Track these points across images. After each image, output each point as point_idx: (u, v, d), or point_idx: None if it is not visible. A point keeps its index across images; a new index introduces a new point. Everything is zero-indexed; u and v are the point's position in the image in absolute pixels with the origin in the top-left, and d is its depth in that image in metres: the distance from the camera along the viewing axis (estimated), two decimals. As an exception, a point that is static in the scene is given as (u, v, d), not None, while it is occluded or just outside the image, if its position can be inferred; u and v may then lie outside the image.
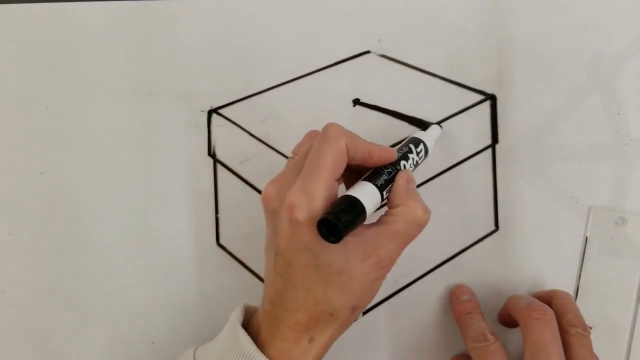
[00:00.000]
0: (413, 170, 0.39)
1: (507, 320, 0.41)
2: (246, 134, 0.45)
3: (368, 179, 0.35)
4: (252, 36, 0.45)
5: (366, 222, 0.34)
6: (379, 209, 0.36)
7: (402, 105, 0.45)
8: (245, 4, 0.46)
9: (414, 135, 0.41)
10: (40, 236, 0.45)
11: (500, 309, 0.43)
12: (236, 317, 0.35)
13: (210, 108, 0.45)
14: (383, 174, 0.36)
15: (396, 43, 0.45)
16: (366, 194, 0.34)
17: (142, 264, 0.45)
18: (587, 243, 0.44)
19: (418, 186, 0.44)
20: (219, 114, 0.45)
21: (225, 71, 0.45)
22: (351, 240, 0.33)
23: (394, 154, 0.37)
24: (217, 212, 0.45)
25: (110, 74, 0.45)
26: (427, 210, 0.35)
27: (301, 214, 0.32)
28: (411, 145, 0.39)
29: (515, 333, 0.43)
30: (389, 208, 0.35)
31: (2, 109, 0.45)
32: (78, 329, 0.44)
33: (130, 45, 0.46)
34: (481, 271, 0.44)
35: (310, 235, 0.32)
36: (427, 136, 0.41)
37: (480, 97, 0.45)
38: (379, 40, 0.45)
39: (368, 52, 0.45)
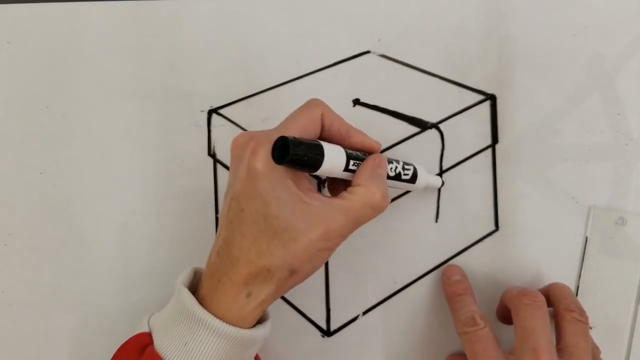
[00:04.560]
0: (390, 178, 0.38)
1: (506, 315, 0.41)
2: (246, 134, 0.45)
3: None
4: (252, 36, 0.45)
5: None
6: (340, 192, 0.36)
7: (402, 105, 0.45)
8: (245, 4, 0.46)
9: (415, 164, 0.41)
10: (40, 236, 0.45)
11: (497, 306, 0.43)
12: (181, 278, 0.36)
13: (210, 108, 0.45)
14: (359, 154, 0.36)
15: (396, 43, 0.45)
16: (332, 149, 0.34)
17: (142, 264, 0.45)
18: (587, 243, 0.44)
19: (418, 186, 0.44)
20: (219, 114, 0.45)
21: (225, 71, 0.45)
22: (304, 202, 0.33)
23: (377, 145, 0.38)
24: (217, 212, 0.45)
25: (111, 74, 0.45)
26: (385, 197, 0.35)
27: (260, 161, 0.33)
28: (402, 161, 0.39)
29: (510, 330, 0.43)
30: (351, 186, 0.36)
31: (2, 109, 0.45)
32: (78, 329, 0.44)
33: (130, 45, 0.46)
34: (481, 271, 0.44)
35: (266, 183, 0.33)
36: (424, 171, 0.41)
37: (480, 97, 0.45)
38: (379, 40, 0.45)
39: (368, 52, 0.45)
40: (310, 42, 0.45)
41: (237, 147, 0.36)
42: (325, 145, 0.34)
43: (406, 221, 0.44)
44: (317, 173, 0.34)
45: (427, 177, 0.42)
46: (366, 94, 0.45)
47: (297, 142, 0.32)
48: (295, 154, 0.32)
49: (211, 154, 0.45)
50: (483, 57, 0.45)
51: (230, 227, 0.34)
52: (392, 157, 0.39)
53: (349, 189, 0.35)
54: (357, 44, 0.45)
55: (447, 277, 0.43)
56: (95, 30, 0.46)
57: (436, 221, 0.44)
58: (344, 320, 0.44)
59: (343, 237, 0.35)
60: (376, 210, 0.35)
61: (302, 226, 0.33)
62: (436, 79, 0.45)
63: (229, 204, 0.34)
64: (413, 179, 0.40)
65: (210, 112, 0.45)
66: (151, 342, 0.35)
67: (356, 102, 0.45)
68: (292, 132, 0.34)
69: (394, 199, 0.44)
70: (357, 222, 0.35)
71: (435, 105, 0.45)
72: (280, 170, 0.33)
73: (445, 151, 0.44)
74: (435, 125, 0.44)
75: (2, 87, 0.45)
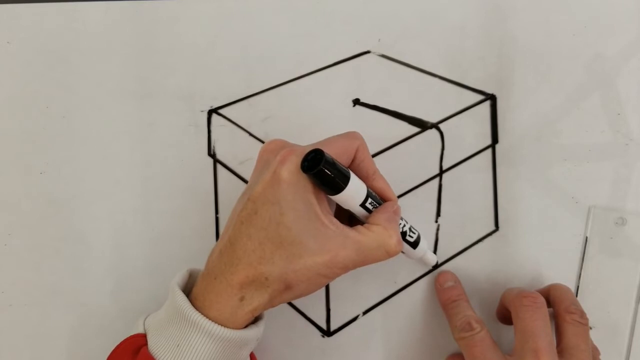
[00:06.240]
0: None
1: (505, 315, 0.41)
2: (246, 134, 0.45)
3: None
4: (252, 36, 0.45)
5: None
6: (354, 222, 0.37)
7: (402, 105, 0.45)
8: (245, 4, 0.46)
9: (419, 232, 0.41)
10: (40, 236, 0.45)
11: (497, 306, 0.43)
12: (176, 279, 0.36)
13: (210, 108, 0.45)
14: (377, 196, 0.37)
15: (396, 43, 0.45)
16: (357, 181, 0.35)
17: (142, 264, 0.45)
18: (587, 243, 0.44)
19: (418, 186, 0.44)
20: (219, 114, 0.45)
21: (225, 71, 0.45)
22: (321, 222, 0.33)
23: (394, 197, 0.38)
24: (217, 212, 0.45)
25: (110, 74, 0.45)
26: (400, 243, 0.36)
27: (287, 170, 0.33)
28: (411, 225, 0.40)
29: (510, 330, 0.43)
30: (369, 222, 0.36)
31: (2, 109, 0.45)
32: (77, 328, 0.44)
33: (130, 45, 0.46)
34: (481, 271, 0.44)
35: (287, 192, 0.33)
36: (425, 242, 0.41)
37: (480, 97, 0.45)
38: (379, 40, 0.45)
39: (368, 52, 0.45)
40: (310, 42, 0.45)
41: (267, 152, 0.36)
42: (353, 176, 0.34)
43: (406, 221, 0.44)
44: (335, 198, 0.34)
45: (427, 250, 0.42)
46: (366, 94, 0.45)
47: (331, 160, 0.33)
48: (324, 168, 0.32)
49: (211, 154, 0.45)
50: (483, 57, 0.45)
51: (239, 227, 0.34)
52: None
53: (366, 225, 0.35)
54: (357, 44, 0.45)
55: (440, 284, 0.43)
56: (95, 30, 0.46)
57: (436, 221, 0.44)
58: (344, 320, 0.44)
59: (346, 269, 0.34)
60: (388, 254, 0.35)
61: (311, 245, 0.33)
62: (436, 79, 0.45)
63: (244, 204, 0.34)
64: (415, 244, 0.40)
65: (210, 112, 0.45)
66: (146, 343, 0.35)
67: (356, 102, 0.45)
68: (326, 150, 0.34)
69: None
70: (366, 260, 0.35)
71: (435, 105, 0.45)
72: (304, 183, 0.33)
73: (445, 151, 0.44)
74: (435, 125, 0.44)
75: (2, 87, 0.45)
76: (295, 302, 0.44)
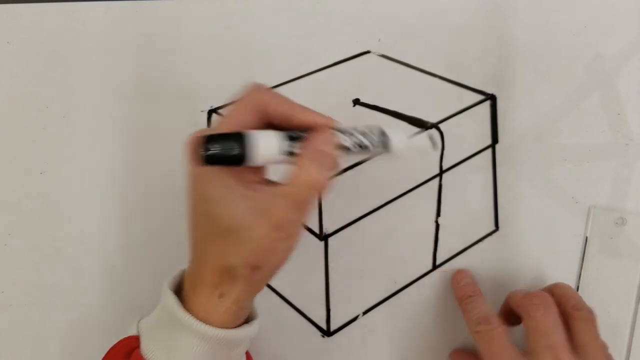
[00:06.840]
0: (353, 153, 0.34)
1: (508, 317, 0.41)
2: (246, 134, 0.45)
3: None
4: (253, 36, 0.45)
5: None
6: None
7: (402, 105, 0.45)
8: (245, 3, 0.46)
9: (381, 126, 0.35)
10: (40, 236, 0.45)
11: (500, 308, 0.43)
12: (168, 281, 0.36)
13: (210, 108, 0.45)
14: (302, 134, 0.32)
15: (396, 43, 0.45)
16: (261, 136, 0.31)
17: (142, 264, 0.45)
18: (587, 243, 0.44)
19: (418, 186, 0.44)
20: (219, 114, 0.45)
21: (225, 71, 0.45)
22: (246, 197, 0.32)
23: (325, 120, 0.33)
24: (217, 212, 0.45)
25: (110, 74, 0.45)
26: (321, 173, 0.32)
27: (194, 162, 0.32)
28: (363, 128, 0.34)
29: (517, 331, 0.43)
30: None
31: (2, 109, 0.45)
32: (77, 329, 0.44)
33: (130, 45, 0.46)
34: (481, 271, 0.44)
35: (204, 184, 0.32)
36: (402, 134, 0.35)
37: (480, 97, 0.45)
38: (379, 40, 0.45)
39: (368, 52, 0.45)
40: (310, 42, 0.45)
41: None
42: (251, 134, 0.31)
43: (406, 221, 0.44)
44: (256, 164, 0.32)
45: (406, 142, 0.35)
46: (366, 94, 0.45)
47: (213, 137, 0.30)
48: (209, 151, 0.30)
49: (211, 154, 0.45)
50: (483, 57, 0.45)
51: (190, 232, 0.34)
52: (356, 125, 0.34)
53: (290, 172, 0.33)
54: (357, 44, 0.45)
55: (456, 281, 0.43)
56: (95, 30, 0.46)
57: (436, 221, 0.44)
58: (344, 320, 0.44)
59: (293, 222, 0.32)
60: (314, 189, 0.32)
61: (248, 222, 0.32)
62: (436, 79, 0.45)
63: (187, 207, 0.34)
64: (383, 146, 0.34)
65: (210, 112, 0.45)
66: (138, 345, 0.35)
67: (356, 102, 0.45)
68: (231, 128, 0.32)
69: (395, 198, 0.44)
70: (298, 204, 0.32)
71: (435, 105, 0.44)
72: (213, 169, 0.32)
73: (445, 151, 0.44)
74: (435, 125, 0.44)
75: (2, 87, 0.45)
76: (295, 302, 0.44)
